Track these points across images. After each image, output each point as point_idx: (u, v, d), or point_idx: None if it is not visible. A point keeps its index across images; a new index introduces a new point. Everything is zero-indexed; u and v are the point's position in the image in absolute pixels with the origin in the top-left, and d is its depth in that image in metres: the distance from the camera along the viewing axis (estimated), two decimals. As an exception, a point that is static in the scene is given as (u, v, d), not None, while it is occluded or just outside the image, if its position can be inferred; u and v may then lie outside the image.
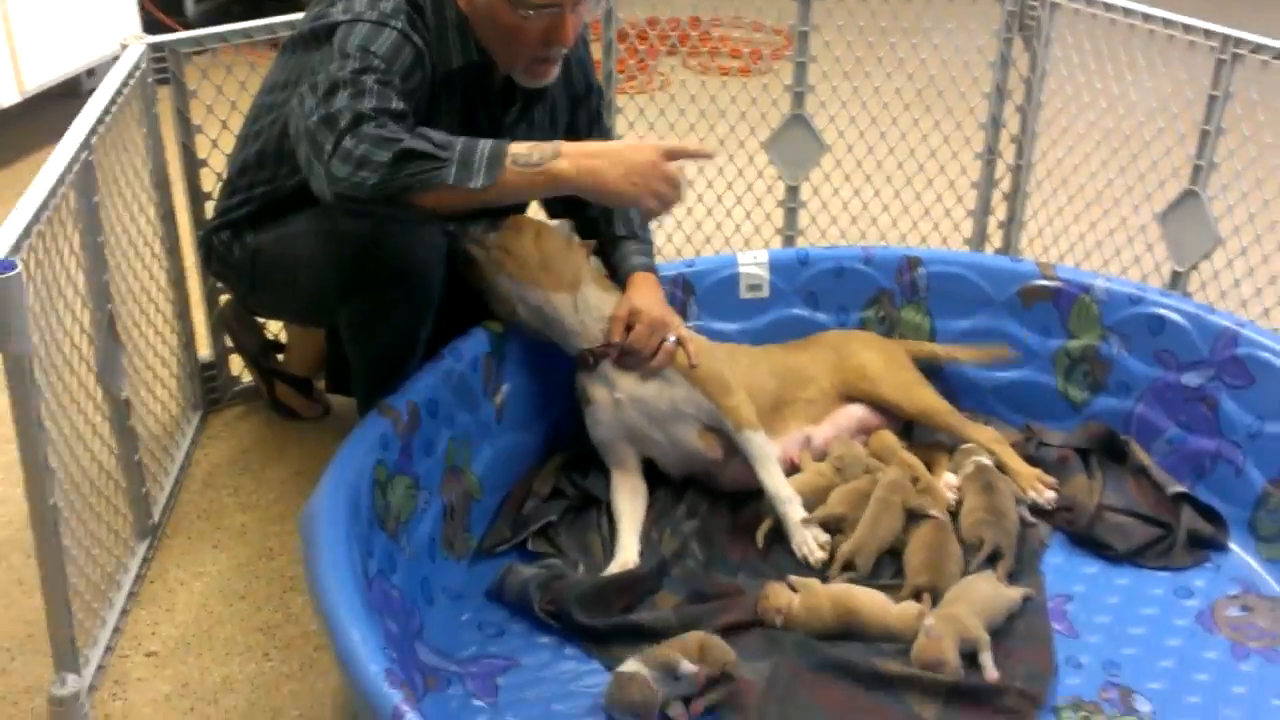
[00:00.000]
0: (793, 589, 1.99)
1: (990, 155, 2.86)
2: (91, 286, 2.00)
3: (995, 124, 2.82)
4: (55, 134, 1.97)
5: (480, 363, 2.21)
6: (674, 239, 3.02)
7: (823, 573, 2.08)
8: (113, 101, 2.12)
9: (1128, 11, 2.53)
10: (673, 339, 2.18)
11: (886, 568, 2.10)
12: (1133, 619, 2.03)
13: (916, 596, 2.00)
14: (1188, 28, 2.43)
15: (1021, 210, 2.89)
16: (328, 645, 1.72)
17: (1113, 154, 2.75)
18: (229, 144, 2.32)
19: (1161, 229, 2.58)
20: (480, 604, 2.06)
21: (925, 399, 2.38)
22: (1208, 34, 2.40)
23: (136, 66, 2.28)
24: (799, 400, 2.34)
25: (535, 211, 2.36)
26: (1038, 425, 2.45)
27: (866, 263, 2.57)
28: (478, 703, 1.86)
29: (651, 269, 2.31)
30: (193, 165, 2.45)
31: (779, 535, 2.16)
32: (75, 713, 1.80)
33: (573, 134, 2.29)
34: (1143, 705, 1.85)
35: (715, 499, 2.26)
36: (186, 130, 2.43)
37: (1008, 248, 2.93)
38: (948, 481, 2.26)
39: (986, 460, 2.26)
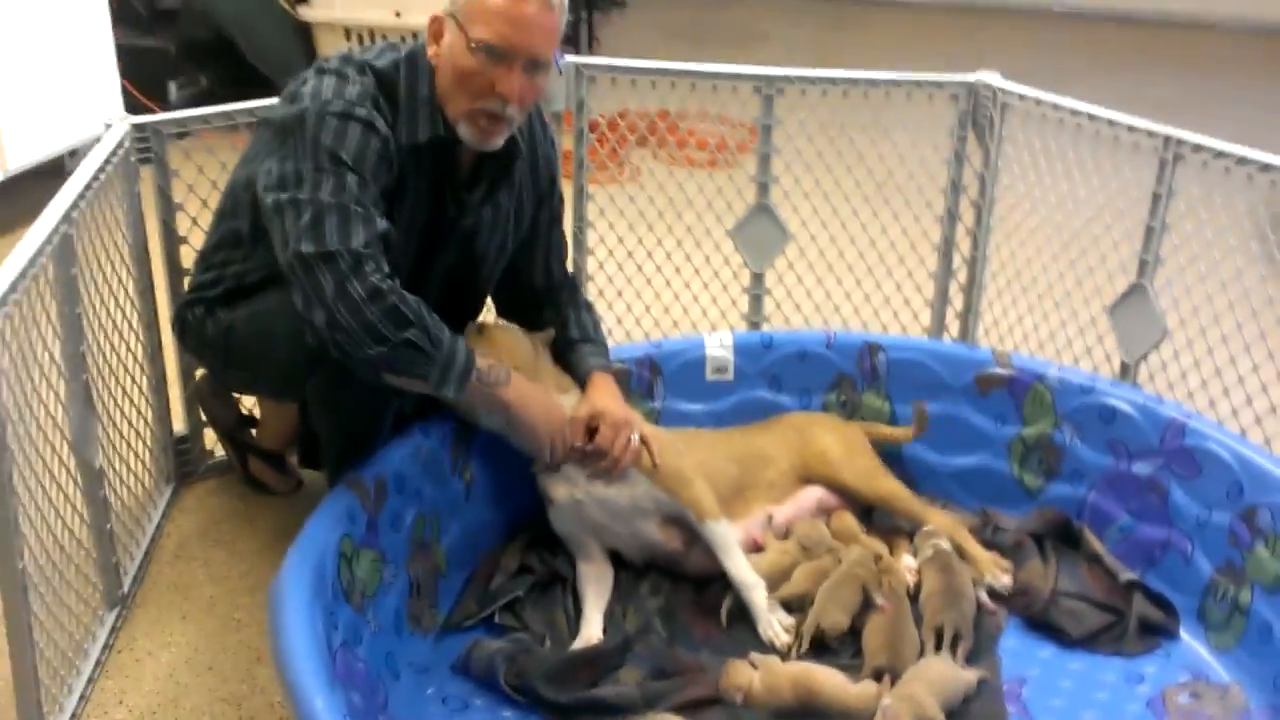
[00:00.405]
0: (754, 666, 2.02)
1: (947, 247, 2.92)
2: (68, 356, 2.03)
3: (951, 217, 2.89)
4: (36, 213, 1.99)
5: (449, 438, 2.25)
6: (643, 322, 3.08)
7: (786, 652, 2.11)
8: (95, 177, 2.16)
9: (1075, 111, 2.60)
10: (636, 438, 2.22)
11: (847, 648, 2.12)
12: (1086, 703, 2.05)
13: (876, 677, 2.02)
14: (1132, 128, 2.49)
15: (978, 301, 2.93)
16: (292, 717, 1.72)
17: (1063, 248, 2.82)
18: (209, 222, 2.35)
19: (1111, 321, 2.64)
20: (445, 678, 2.07)
21: (885, 485, 2.43)
22: (1150, 134, 2.47)
23: (120, 145, 2.32)
24: (761, 482, 2.38)
25: (488, 312, 2.41)
26: (993, 510, 2.49)
27: (829, 347, 2.63)
28: (441, 776, 1.86)
29: (609, 369, 2.34)
30: (172, 242, 2.49)
31: (743, 612, 2.19)
32: (39, 781, 1.79)
33: (534, 232, 2.35)
34: (1095, 786, 1.87)
35: (678, 578, 2.29)
36: (168, 208, 2.47)
37: (965, 336, 2.99)
38: (907, 564, 2.29)
39: (945, 544, 2.29)
